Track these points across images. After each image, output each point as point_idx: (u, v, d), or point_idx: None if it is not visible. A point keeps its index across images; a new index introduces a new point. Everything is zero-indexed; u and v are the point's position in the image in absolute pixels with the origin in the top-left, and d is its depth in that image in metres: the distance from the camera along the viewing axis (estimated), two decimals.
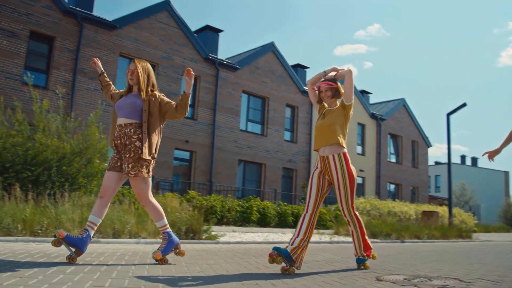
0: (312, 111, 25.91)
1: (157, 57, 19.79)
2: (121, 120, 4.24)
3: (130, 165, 4.09)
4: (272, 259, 4.11)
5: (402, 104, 33.46)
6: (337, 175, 4.39)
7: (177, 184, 20.56)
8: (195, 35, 21.84)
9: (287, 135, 25.26)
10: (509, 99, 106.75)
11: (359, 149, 29.59)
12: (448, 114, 19.24)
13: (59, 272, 3.28)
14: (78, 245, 3.91)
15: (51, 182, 7.93)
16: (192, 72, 4.22)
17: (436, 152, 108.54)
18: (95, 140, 9.05)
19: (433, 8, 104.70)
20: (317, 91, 4.78)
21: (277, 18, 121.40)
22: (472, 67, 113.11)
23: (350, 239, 11.27)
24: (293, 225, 13.75)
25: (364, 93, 32.77)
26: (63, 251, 4.67)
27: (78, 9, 17.73)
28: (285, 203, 15.00)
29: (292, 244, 4.17)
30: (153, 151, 4.23)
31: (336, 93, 4.68)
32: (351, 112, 4.59)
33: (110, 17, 19.98)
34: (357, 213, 4.56)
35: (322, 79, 4.77)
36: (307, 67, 29.65)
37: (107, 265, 3.90)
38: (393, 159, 32.50)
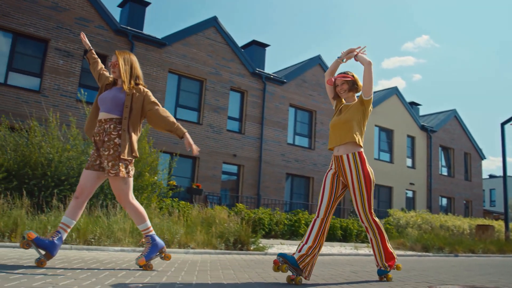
0: None
1: (205, 73, 20.13)
2: (102, 115, 4.00)
3: (110, 164, 3.84)
4: (277, 267, 3.75)
5: (453, 115, 32.63)
6: (352, 176, 4.01)
7: (225, 198, 20.71)
8: (242, 50, 22.10)
9: None
10: None
11: (409, 162, 28.99)
12: (503, 124, 18.61)
13: (111, 276, 3.38)
14: (48, 248, 3.65)
15: (104, 194, 8.16)
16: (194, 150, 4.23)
17: (490, 166, 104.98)
18: (146, 154, 9.26)
19: (484, 17, 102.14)
20: (333, 86, 4.33)
21: (323, 31, 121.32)
22: None
23: (401, 252, 11.05)
24: (343, 239, 13.58)
25: (414, 104, 32.18)
26: (115, 257, 4.79)
27: (129, 28, 18.32)
28: (334, 217, 14.84)
29: (299, 251, 3.83)
30: (135, 149, 3.97)
31: (353, 86, 4.22)
32: (371, 109, 4.19)
33: (159, 35, 20.48)
34: (376, 218, 4.14)
35: (339, 72, 4.32)
36: None
37: (157, 270, 3.98)
38: (444, 172, 31.64)
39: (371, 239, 4.21)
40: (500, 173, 67.52)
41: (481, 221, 21.65)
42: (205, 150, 19.49)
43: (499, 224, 21.10)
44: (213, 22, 20.80)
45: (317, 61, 24.59)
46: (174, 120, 4.09)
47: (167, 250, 6.41)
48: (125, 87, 3.98)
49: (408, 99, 32.43)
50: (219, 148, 20.03)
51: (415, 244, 12.11)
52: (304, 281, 3.88)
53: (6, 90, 15.19)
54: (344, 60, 4.33)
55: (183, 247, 6.84)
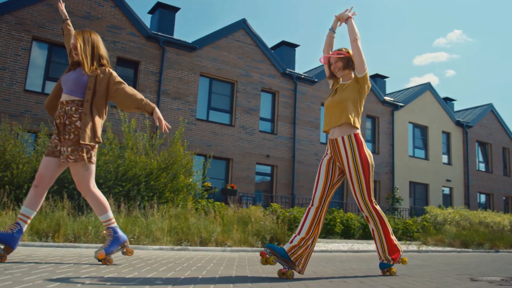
0: (393, 121, 25.35)
1: (235, 75, 20.26)
2: (63, 97, 3.75)
3: (69, 149, 3.58)
4: (264, 259, 3.42)
5: (489, 110, 31.89)
6: (348, 160, 3.64)
7: (260, 198, 20.76)
8: (272, 51, 22.14)
9: (368, 146, 24.69)
10: None
11: (445, 158, 28.45)
12: None
13: (152, 270, 3.46)
14: (8, 241, 3.47)
15: (141, 197, 8.32)
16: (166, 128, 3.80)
17: None
18: (180, 156, 9.41)
19: None
20: (327, 64, 3.98)
21: None
22: None
23: (439, 248, 10.88)
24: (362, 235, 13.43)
25: (448, 100, 31.62)
26: (154, 255, 4.88)
27: (160, 33, 18.61)
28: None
29: (291, 242, 3.50)
30: (98, 135, 3.71)
31: (348, 64, 3.84)
32: (368, 85, 3.81)
33: (189, 39, 20.73)
34: (377, 207, 3.75)
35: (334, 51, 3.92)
36: (386, 77, 29.13)
37: (196, 266, 4.04)
38: (482, 168, 30.95)
39: (372, 230, 3.84)
40: None
41: None
42: (238, 151, 19.61)
43: None
44: (242, 25, 20.91)
45: None
46: (142, 97, 3.83)
47: (203, 248, 6.51)
48: (86, 69, 3.72)
49: (442, 94, 31.90)
50: (252, 149, 20.11)
51: (454, 240, 11.92)
52: (298, 275, 3.57)
53: (44, 98, 15.61)
54: (335, 31, 4.00)
55: (220, 245, 6.91)
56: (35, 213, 3.67)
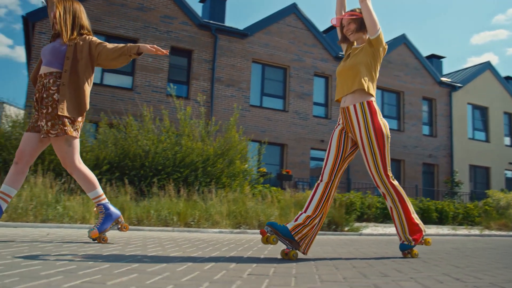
0: (451, 102, 24.58)
1: (288, 60, 20.19)
2: (42, 69, 3.54)
3: (49, 123, 3.37)
4: (265, 238, 3.15)
5: None
6: (360, 130, 3.31)
7: (315, 183, 20.70)
8: (324, 35, 21.91)
9: (425, 129, 24.19)
10: None
11: (507, 140, 27.32)
12: None
13: (214, 250, 3.54)
14: None
15: (198, 182, 8.48)
16: (164, 52, 3.58)
17: None
18: (235, 142, 9.50)
19: None
20: (340, 27, 3.64)
21: (406, 11, 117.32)
22: None
23: (503, 232, 10.52)
24: (438, 221, 13.16)
25: (510, 79, 30.32)
26: (215, 237, 4.98)
27: (211, 22, 18.79)
28: (428, 199, 14.41)
29: (296, 220, 3.19)
30: (86, 103, 3.54)
31: (362, 25, 3.47)
32: (384, 47, 3.46)
33: (241, 26, 20.81)
34: (395, 182, 3.37)
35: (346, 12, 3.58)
36: (442, 57, 28.26)
37: (258, 247, 4.10)
38: None
39: (390, 208, 3.47)
40: None
41: None
42: (292, 136, 19.60)
43: None
44: (293, 9, 20.78)
45: (402, 40, 23.85)
46: (124, 44, 3.56)
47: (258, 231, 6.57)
48: (64, 38, 3.51)
49: (504, 74, 30.59)
50: (306, 134, 20.05)
51: None
52: (302, 256, 3.32)
53: (103, 89, 16.13)
54: None
55: None
56: (16, 191, 3.50)
